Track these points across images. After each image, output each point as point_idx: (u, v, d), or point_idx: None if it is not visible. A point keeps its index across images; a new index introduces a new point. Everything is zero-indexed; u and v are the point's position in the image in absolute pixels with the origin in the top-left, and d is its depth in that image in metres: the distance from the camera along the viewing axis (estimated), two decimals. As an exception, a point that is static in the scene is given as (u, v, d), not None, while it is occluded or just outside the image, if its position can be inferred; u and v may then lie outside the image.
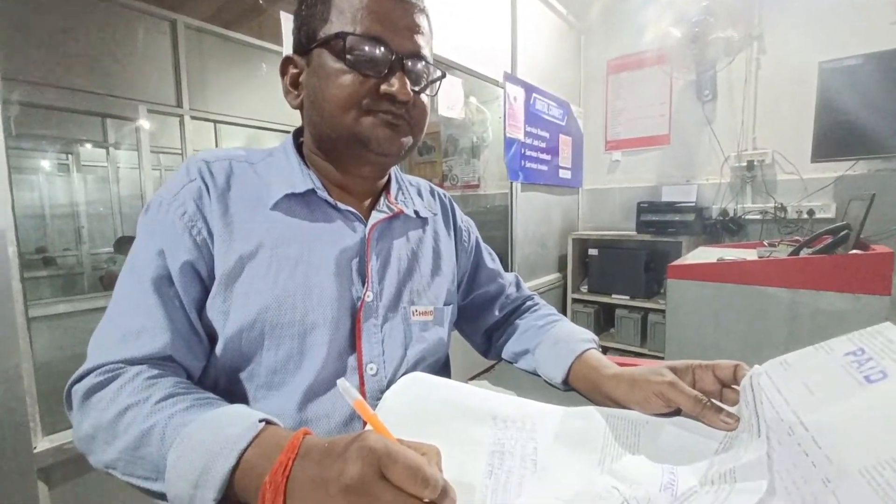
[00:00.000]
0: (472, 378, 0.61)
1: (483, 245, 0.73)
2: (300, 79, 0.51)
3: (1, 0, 0.65)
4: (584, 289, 2.45)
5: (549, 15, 2.30)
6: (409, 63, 0.48)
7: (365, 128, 0.48)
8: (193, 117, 2.12)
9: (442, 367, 0.63)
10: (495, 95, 1.95)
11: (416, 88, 0.50)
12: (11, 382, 0.66)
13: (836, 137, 1.78)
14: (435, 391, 0.43)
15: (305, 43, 0.50)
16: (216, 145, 2.46)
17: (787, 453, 0.28)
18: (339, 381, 0.32)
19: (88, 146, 2.18)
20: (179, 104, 2.13)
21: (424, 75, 0.51)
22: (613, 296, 2.30)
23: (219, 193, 0.48)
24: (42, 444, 0.69)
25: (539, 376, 0.59)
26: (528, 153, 2.06)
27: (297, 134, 0.57)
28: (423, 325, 0.56)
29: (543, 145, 2.20)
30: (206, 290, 0.46)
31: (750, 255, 1.48)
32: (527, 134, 2.03)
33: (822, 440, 0.27)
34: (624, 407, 0.45)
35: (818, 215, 1.99)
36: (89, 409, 0.39)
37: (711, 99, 2.23)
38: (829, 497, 0.25)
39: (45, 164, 2.14)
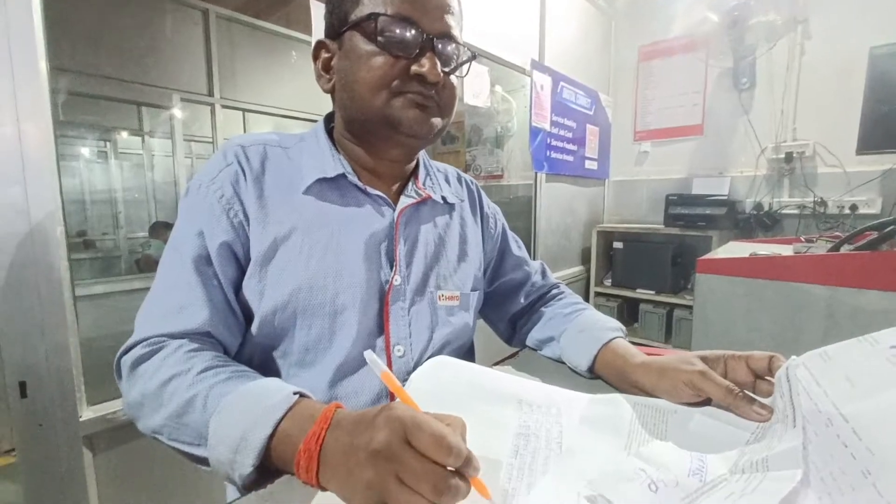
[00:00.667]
0: (496, 364, 0.61)
1: (510, 233, 0.73)
2: (332, 63, 0.52)
3: None
4: (608, 282, 2.41)
5: (579, 0, 2.24)
6: (440, 44, 0.48)
7: (395, 109, 0.48)
8: (224, 106, 2.18)
9: (467, 352, 0.63)
10: (521, 84, 1.92)
11: (447, 69, 0.50)
12: (61, 355, 0.70)
13: (885, 128, 1.68)
14: (460, 374, 0.44)
15: (337, 26, 0.50)
16: (244, 132, 2.51)
17: (823, 444, 0.28)
18: (366, 353, 0.33)
19: (125, 134, 2.27)
20: (211, 93, 2.19)
21: (455, 56, 0.51)
22: (638, 290, 2.25)
23: (254, 177, 0.50)
24: (87, 413, 0.74)
25: (563, 364, 0.59)
26: (553, 143, 2.02)
27: (328, 119, 0.58)
28: (449, 310, 0.57)
29: (570, 135, 2.16)
30: (242, 271, 0.48)
31: (785, 250, 1.42)
32: (553, 123, 1.99)
33: (862, 432, 0.26)
34: (652, 396, 0.45)
35: (861, 210, 1.88)
36: (136, 378, 0.42)
37: (749, 87, 2.13)
38: (868, 489, 0.24)
39: (85, 151, 2.24)
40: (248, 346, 0.50)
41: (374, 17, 0.46)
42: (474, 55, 0.53)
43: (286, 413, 0.34)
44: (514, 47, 1.74)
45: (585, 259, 2.44)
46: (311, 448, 0.31)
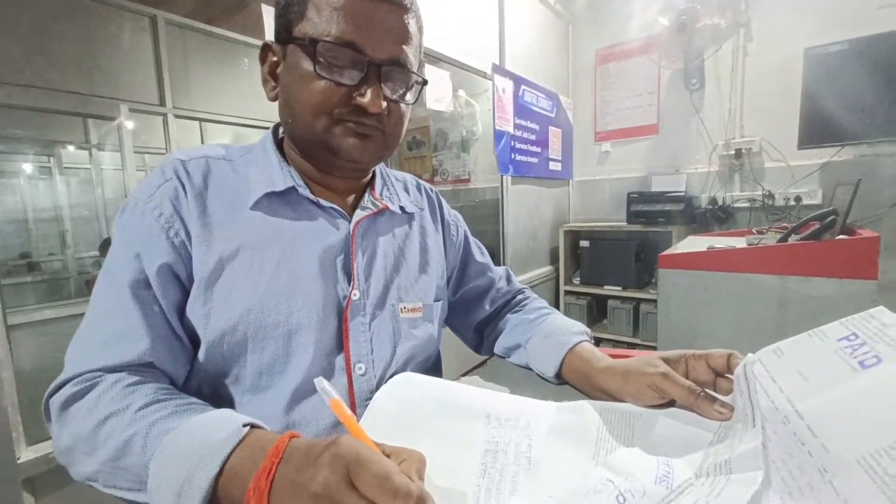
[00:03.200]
0: (465, 374, 0.60)
1: (472, 239, 0.72)
2: (277, 70, 0.49)
3: None
4: (577, 280, 2.45)
5: (537, 5, 2.28)
6: (386, 70, 0.46)
7: (335, 137, 0.47)
8: (177, 115, 2.07)
9: (433, 365, 0.62)
10: (484, 88, 1.94)
11: (394, 97, 0.48)
12: (-7, 392, 0.64)
13: (821, 124, 1.80)
14: (426, 390, 0.43)
15: (283, 34, 0.48)
16: (202, 143, 2.42)
17: (782, 443, 0.28)
18: (315, 381, 0.31)
19: (70, 148, 2.13)
20: (162, 102, 2.07)
21: (403, 82, 0.49)
22: (605, 287, 2.31)
23: (196, 193, 0.46)
24: (26, 454, 0.68)
25: (532, 371, 0.59)
26: (517, 146, 2.05)
27: (277, 129, 0.55)
28: (412, 322, 0.55)
29: (533, 137, 2.19)
30: (185, 293, 0.45)
31: (739, 242, 1.49)
32: (516, 126, 2.02)
33: (817, 429, 0.26)
34: (618, 399, 0.45)
35: (805, 202, 2.00)
36: (68, 419, 0.38)
37: (699, 87, 2.23)
38: (826, 487, 0.25)
39: (27, 167, 2.09)
40: (196, 374, 0.46)
41: (314, 41, 0.44)
42: (425, 81, 0.52)
43: (234, 448, 0.31)
44: (474, 52, 1.75)
45: (554, 259, 2.48)
46: (261, 485, 0.28)
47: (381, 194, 0.58)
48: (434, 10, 1.53)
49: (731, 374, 0.39)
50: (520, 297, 0.72)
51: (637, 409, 0.42)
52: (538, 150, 2.24)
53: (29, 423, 0.68)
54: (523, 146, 2.11)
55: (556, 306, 2.47)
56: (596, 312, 2.48)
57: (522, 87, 2.07)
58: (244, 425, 0.33)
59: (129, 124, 2.02)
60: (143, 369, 0.41)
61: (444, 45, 1.58)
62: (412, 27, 0.48)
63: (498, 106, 1.88)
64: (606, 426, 0.40)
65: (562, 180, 2.58)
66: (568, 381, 0.53)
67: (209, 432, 0.33)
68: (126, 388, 0.38)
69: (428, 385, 0.44)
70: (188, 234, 0.45)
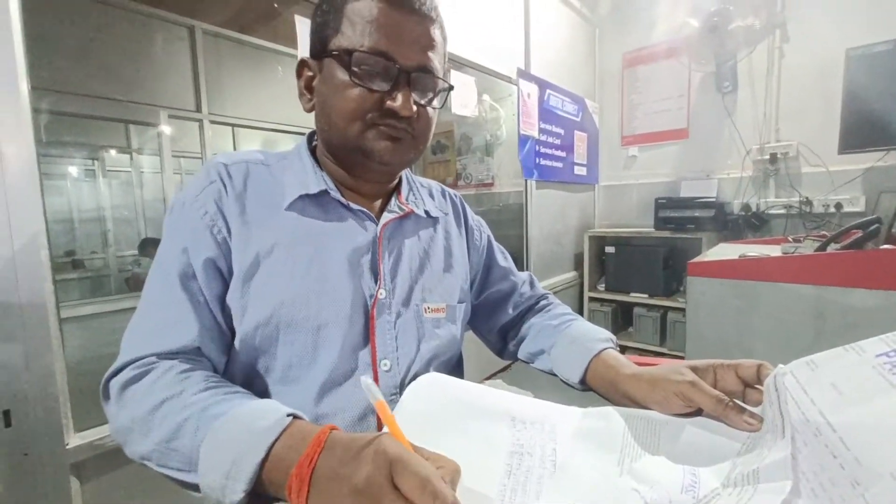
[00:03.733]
0: (488, 378, 0.60)
1: (495, 244, 0.73)
2: (313, 83, 0.53)
3: (27, 12, 0.67)
4: (601, 287, 2.41)
5: (563, 9, 2.27)
6: (416, 78, 0.49)
7: (368, 140, 0.50)
8: (212, 121, 2.17)
9: (455, 365, 0.63)
10: (508, 93, 1.94)
11: (423, 101, 0.51)
12: (46, 381, 0.69)
13: (864, 127, 1.71)
14: (452, 392, 0.44)
15: (319, 49, 0.51)
16: (234, 148, 2.51)
17: (813, 455, 0.28)
18: (362, 379, 0.33)
19: (113, 152, 2.25)
20: (199, 109, 2.18)
21: (431, 89, 0.52)
22: (631, 294, 2.26)
23: (236, 194, 0.50)
24: (74, 440, 0.72)
25: (556, 376, 0.59)
26: (542, 150, 2.04)
27: (312, 136, 0.59)
28: (436, 322, 0.57)
29: (558, 142, 2.18)
30: (226, 286, 0.48)
31: (773, 251, 1.44)
32: (541, 131, 2.01)
33: (850, 442, 0.26)
34: (643, 407, 0.45)
35: (846, 209, 1.91)
36: (126, 401, 0.41)
37: (732, 90, 2.17)
38: (858, 500, 0.24)
39: (73, 169, 2.22)
40: (231, 364, 0.50)
41: (350, 51, 0.47)
42: (451, 87, 0.55)
43: (279, 436, 0.33)
44: (499, 57, 1.76)
45: (578, 264, 2.45)
46: (303, 472, 0.30)
47: (406, 199, 0.60)
48: (460, 15, 1.55)
49: (761, 384, 0.39)
50: (543, 302, 0.72)
51: (663, 417, 0.42)
52: (563, 154, 2.23)
53: (77, 411, 0.73)
54: (548, 150, 2.10)
55: (580, 313, 2.44)
56: (621, 320, 2.43)
57: (548, 91, 2.06)
58: (287, 415, 0.35)
59: (167, 129, 2.12)
60: (192, 356, 0.45)
61: (470, 50, 1.59)
62: (438, 37, 0.52)
63: (523, 111, 1.88)
64: (632, 433, 0.39)
65: (587, 185, 2.55)
66: (592, 387, 0.53)
67: (255, 419, 0.35)
68: (179, 375, 0.41)
69: (453, 386, 0.45)
70: (229, 231, 0.49)
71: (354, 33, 0.47)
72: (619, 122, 2.58)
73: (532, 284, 0.74)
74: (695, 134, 2.33)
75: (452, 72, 1.61)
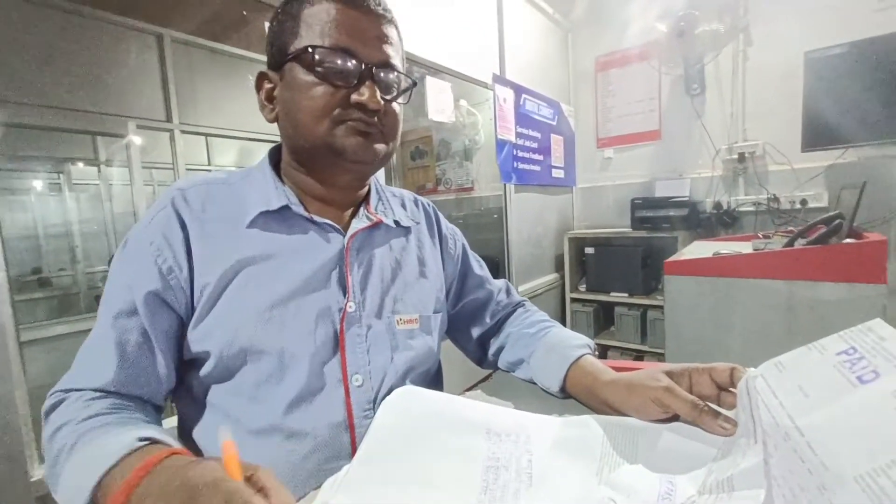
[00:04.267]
0: (469, 389, 0.60)
1: (471, 252, 0.73)
2: (274, 93, 0.52)
3: None
4: (583, 288, 2.44)
5: (536, 14, 2.31)
6: (380, 73, 0.49)
7: (337, 137, 0.49)
8: (184, 131, 2.11)
9: (433, 377, 0.62)
10: (485, 97, 1.96)
11: (388, 97, 0.51)
12: (5, 411, 0.65)
13: (825, 126, 1.79)
14: (427, 405, 0.43)
15: (278, 58, 0.50)
16: (208, 158, 2.45)
17: (784, 460, 0.28)
18: (219, 429, 0.32)
19: (80, 164, 2.17)
20: (169, 118, 2.12)
21: (395, 84, 0.52)
22: (612, 294, 2.30)
23: (194, 217, 0.49)
24: (38, 472, 0.69)
25: (536, 385, 0.59)
26: (520, 154, 2.06)
27: (275, 152, 0.58)
28: (410, 334, 0.56)
29: (535, 146, 2.20)
30: (178, 319, 0.48)
31: (745, 247, 1.49)
32: (518, 135, 2.03)
33: (817, 446, 0.26)
34: (622, 413, 0.45)
35: (811, 205, 1.99)
36: (46, 426, 0.43)
37: (700, 93, 2.24)
38: None
39: (37, 184, 2.13)
40: (199, 387, 0.49)
41: (312, 48, 0.47)
42: (415, 82, 0.55)
43: (119, 460, 0.34)
44: (474, 62, 1.77)
45: (559, 266, 2.48)
46: (119, 499, 0.31)
47: (375, 209, 0.59)
48: (434, 22, 1.56)
49: (735, 388, 0.39)
50: (520, 309, 0.72)
51: (641, 424, 0.42)
52: (540, 157, 2.25)
53: (42, 441, 0.69)
54: (525, 154, 2.12)
55: (563, 314, 2.47)
56: (603, 320, 2.46)
57: (523, 95, 2.08)
58: (141, 439, 0.35)
59: (137, 140, 2.06)
60: (110, 394, 0.44)
61: (445, 56, 1.60)
62: (395, 35, 0.52)
63: (499, 115, 1.90)
64: (611, 441, 0.39)
65: (565, 187, 2.58)
66: (572, 395, 0.53)
67: (108, 444, 0.35)
68: (84, 402, 0.42)
69: (429, 399, 0.44)
70: (177, 261, 0.47)
71: (314, 35, 0.47)
72: (594, 125, 2.63)
73: (508, 292, 0.74)
74: (666, 135, 2.39)
75: (428, 78, 1.61)
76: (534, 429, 0.41)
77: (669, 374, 0.44)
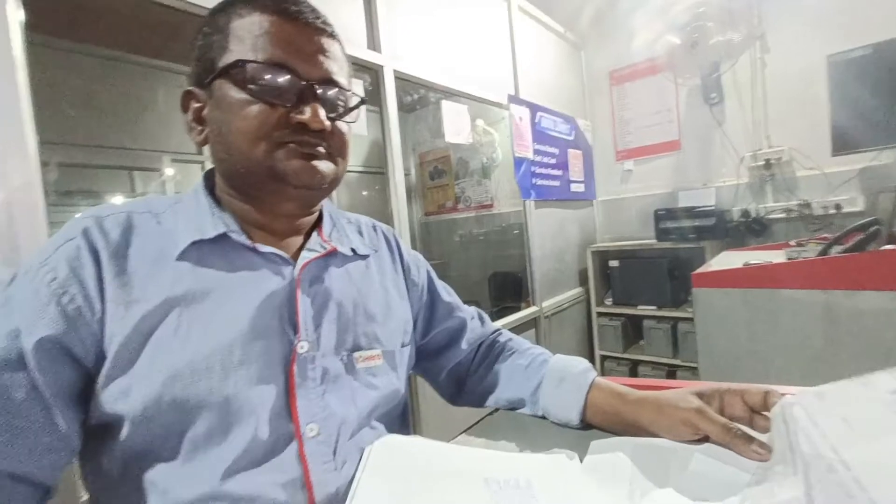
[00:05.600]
0: (467, 430, 0.55)
1: (437, 280, 0.68)
2: (203, 113, 0.46)
3: (33, 66, 0.70)
4: (609, 301, 2.40)
5: (547, 34, 2.35)
6: (322, 90, 0.44)
7: (278, 161, 0.43)
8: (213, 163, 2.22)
9: (399, 417, 0.56)
10: (501, 116, 1.99)
11: (333, 116, 0.46)
12: None
13: (854, 129, 1.73)
14: (415, 457, 0.38)
15: (205, 75, 0.45)
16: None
17: (828, 493, 0.27)
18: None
19: (119, 197, 2.30)
20: (200, 151, 2.24)
21: (341, 102, 0.47)
22: (640, 307, 2.24)
23: (112, 251, 0.41)
24: None
25: (541, 419, 0.55)
26: (538, 171, 2.07)
27: (209, 176, 0.51)
28: (371, 371, 0.50)
29: (553, 161, 2.21)
30: (81, 374, 0.39)
31: (778, 256, 1.44)
32: (535, 152, 2.05)
33: (866, 482, 0.25)
34: (650, 432, 0.44)
35: (846, 209, 1.92)
36: None
37: (719, 101, 2.21)
38: None
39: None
40: (112, 456, 0.40)
41: (242, 63, 0.41)
42: (363, 100, 0.50)
43: None
44: (489, 85, 1.81)
45: (583, 280, 2.45)
46: None
47: (329, 236, 0.53)
48: (448, 48, 1.60)
49: (768, 412, 0.38)
50: (500, 339, 0.67)
51: (671, 445, 0.41)
52: (559, 172, 2.26)
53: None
54: (544, 170, 2.13)
55: (590, 328, 2.42)
56: (632, 333, 2.40)
57: (539, 113, 2.10)
58: None
59: (170, 172, 2.17)
60: None
61: (461, 81, 1.64)
62: (338, 50, 0.47)
63: (516, 134, 1.92)
64: (641, 463, 0.38)
65: (585, 201, 2.57)
66: (593, 422, 0.50)
67: None
68: None
69: (416, 449, 0.40)
70: (89, 299, 0.39)
71: (245, 49, 0.42)
72: (612, 138, 2.62)
73: (482, 319, 0.68)
74: (687, 145, 2.36)
75: (444, 102, 1.65)
76: (535, 471, 0.38)
77: (700, 395, 0.43)
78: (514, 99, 1.94)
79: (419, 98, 2.29)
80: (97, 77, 1.89)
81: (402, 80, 1.40)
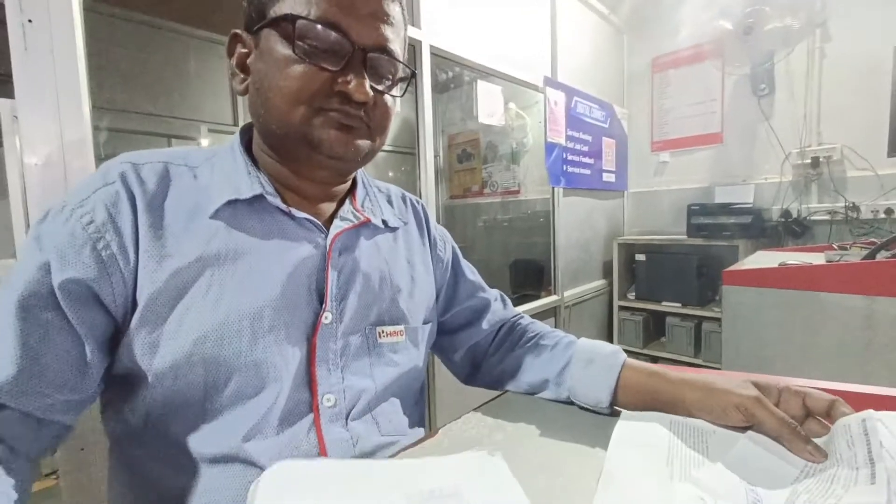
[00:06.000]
0: (478, 408, 0.53)
1: (462, 258, 0.66)
2: (247, 61, 0.44)
3: (89, 36, 0.73)
4: (632, 296, 2.36)
5: (590, 15, 2.26)
6: (372, 57, 0.42)
7: (314, 128, 0.41)
8: (248, 134, 2.27)
9: (417, 394, 0.56)
10: (535, 100, 1.94)
11: (380, 87, 0.44)
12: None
13: (917, 129, 1.62)
14: (316, 485, 0.33)
15: (255, 19, 0.42)
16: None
17: None
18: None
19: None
20: (235, 122, 2.30)
21: (390, 73, 0.45)
22: (663, 303, 2.20)
23: (148, 200, 0.40)
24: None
25: (562, 403, 0.53)
26: (569, 157, 2.03)
27: (246, 131, 0.50)
28: (393, 347, 0.50)
29: (586, 149, 2.15)
30: (110, 321, 0.39)
31: (817, 258, 1.37)
32: (568, 138, 2.00)
33: None
34: (691, 413, 0.43)
35: (898, 214, 1.81)
36: None
37: (769, 93, 2.09)
38: None
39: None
40: (134, 406, 0.40)
41: (292, 18, 0.39)
42: (413, 73, 0.48)
43: None
44: (526, 65, 1.77)
45: (607, 272, 2.41)
46: None
47: (362, 205, 0.52)
48: (486, 25, 1.57)
49: (829, 419, 0.38)
50: (522, 322, 0.64)
51: (710, 427, 0.40)
52: (591, 161, 2.20)
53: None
54: (575, 158, 2.08)
55: (610, 321, 2.39)
56: (653, 329, 2.36)
57: (575, 98, 2.05)
58: None
59: (205, 142, 2.24)
60: None
61: (497, 60, 1.60)
62: (398, 15, 0.44)
63: (550, 118, 1.88)
64: (679, 437, 0.38)
65: (616, 192, 2.50)
66: (624, 404, 0.49)
67: None
68: None
69: (318, 476, 0.34)
70: (126, 248, 0.38)
71: (299, 2, 0.39)
72: (648, 128, 2.53)
73: (504, 302, 0.66)
74: (729, 138, 2.25)
75: (479, 81, 1.62)
76: (461, 475, 0.35)
77: (756, 385, 0.41)
78: (551, 82, 1.89)
79: (452, 77, 2.26)
80: (140, 45, 1.95)
81: (439, 56, 1.38)
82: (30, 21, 0.66)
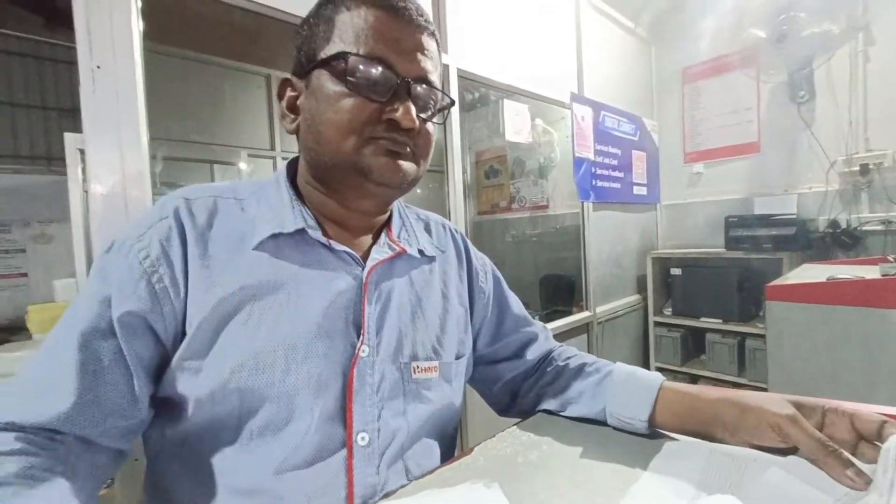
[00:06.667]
0: (517, 424, 0.54)
1: (507, 289, 0.66)
2: (297, 102, 0.48)
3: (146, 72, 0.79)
4: (668, 311, 2.27)
5: (616, 30, 2.26)
6: (416, 88, 0.45)
7: (365, 156, 0.44)
8: (284, 157, 2.39)
9: (451, 433, 0.55)
10: (561, 115, 1.95)
11: (424, 116, 0.47)
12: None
13: (977, 131, 1.51)
14: None
15: (305, 64, 0.46)
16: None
17: None
18: None
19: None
20: (273, 147, 2.43)
21: (432, 102, 0.48)
22: (702, 319, 2.11)
23: (198, 234, 0.43)
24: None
25: (579, 422, 0.53)
26: (598, 172, 2.01)
27: (291, 166, 0.53)
28: (426, 384, 0.49)
29: (615, 162, 2.13)
30: (160, 350, 0.41)
31: (870, 272, 1.29)
32: (597, 152, 1.99)
33: None
34: (727, 434, 0.42)
35: (962, 223, 1.68)
36: None
37: (808, 99, 2.01)
38: None
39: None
40: (173, 432, 0.42)
41: (344, 56, 0.42)
42: (453, 101, 0.51)
43: None
44: (552, 83, 1.78)
45: (641, 287, 2.34)
46: None
47: (398, 236, 0.53)
48: (511, 45, 1.60)
49: (880, 442, 0.34)
50: (565, 353, 0.63)
51: (751, 453, 0.39)
52: (621, 174, 2.17)
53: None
54: (605, 172, 2.06)
55: (646, 338, 2.32)
56: (692, 347, 2.26)
57: (602, 112, 2.04)
58: None
59: (245, 167, 2.37)
60: (48, 435, 0.36)
61: (523, 79, 1.63)
62: (435, 50, 0.48)
63: (577, 133, 1.88)
64: (714, 468, 0.37)
65: (648, 205, 2.45)
66: (660, 423, 0.48)
67: None
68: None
69: None
70: (174, 280, 0.41)
71: (348, 41, 0.43)
72: (680, 139, 2.48)
73: (548, 336, 0.66)
74: (767, 147, 2.17)
75: (505, 101, 1.65)
76: None
77: (798, 405, 0.40)
78: (577, 98, 1.90)
79: (479, 97, 2.31)
80: (185, 78, 2.10)
81: (466, 78, 1.42)
82: (98, 67, 0.73)
